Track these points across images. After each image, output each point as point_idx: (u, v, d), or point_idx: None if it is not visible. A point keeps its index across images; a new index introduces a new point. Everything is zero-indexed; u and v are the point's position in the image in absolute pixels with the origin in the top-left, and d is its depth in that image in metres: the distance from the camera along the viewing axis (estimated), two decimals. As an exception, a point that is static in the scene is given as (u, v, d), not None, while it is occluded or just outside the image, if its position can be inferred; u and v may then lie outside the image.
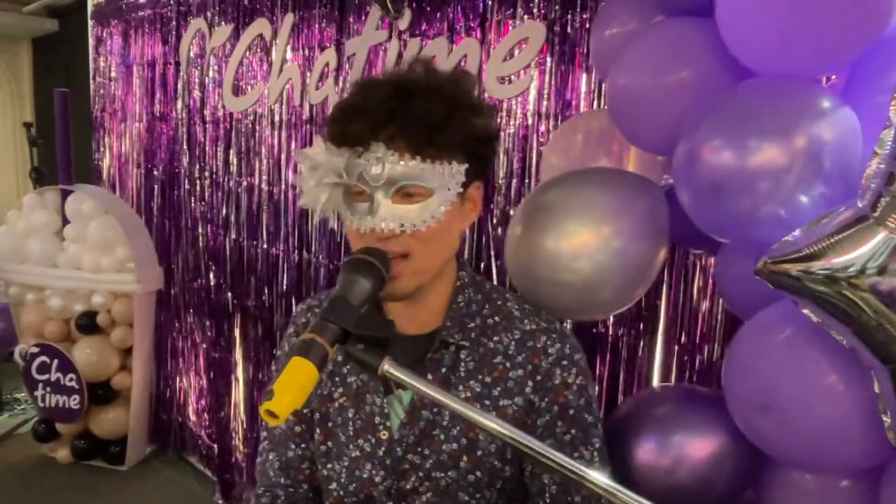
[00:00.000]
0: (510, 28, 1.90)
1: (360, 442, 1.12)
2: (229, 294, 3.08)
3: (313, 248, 2.66)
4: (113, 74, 3.69)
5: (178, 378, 3.48)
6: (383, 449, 1.10)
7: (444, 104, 0.98)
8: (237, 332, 3.09)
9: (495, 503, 1.11)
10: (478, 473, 1.08)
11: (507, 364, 1.08)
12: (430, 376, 1.08)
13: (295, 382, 0.76)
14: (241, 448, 3.14)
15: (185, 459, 3.47)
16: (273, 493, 1.19)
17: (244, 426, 3.12)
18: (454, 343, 1.08)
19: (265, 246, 2.86)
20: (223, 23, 2.91)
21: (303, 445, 1.19)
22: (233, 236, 3.02)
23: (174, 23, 3.21)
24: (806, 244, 0.85)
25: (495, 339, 1.09)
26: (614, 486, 0.71)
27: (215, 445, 3.27)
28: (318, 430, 1.17)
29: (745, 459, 1.10)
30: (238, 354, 3.12)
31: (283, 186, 2.74)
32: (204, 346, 3.30)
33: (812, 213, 0.90)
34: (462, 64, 2.02)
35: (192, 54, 3.11)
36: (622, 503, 0.71)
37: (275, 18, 2.66)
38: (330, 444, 1.16)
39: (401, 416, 1.10)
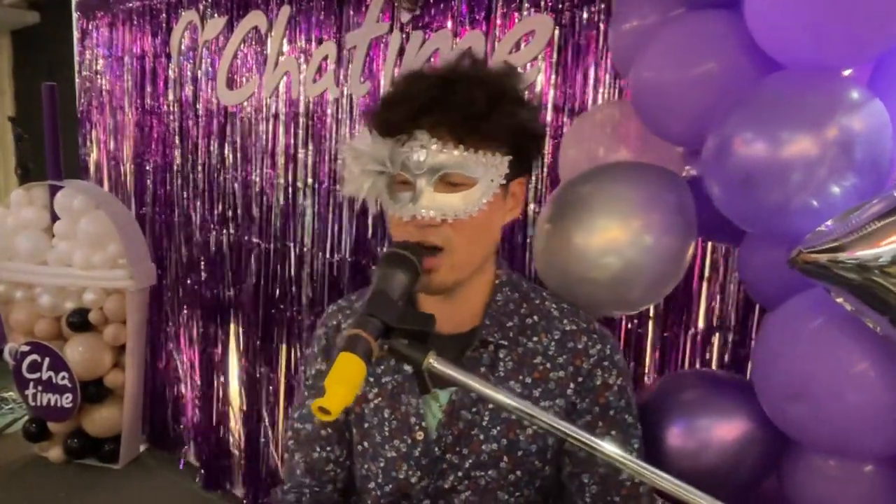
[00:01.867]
0: (516, 20, 1.90)
1: (396, 442, 1.12)
2: (224, 290, 3.05)
3: (309, 244, 2.65)
4: (100, 68, 3.63)
5: (171, 375, 3.44)
6: (419, 449, 1.10)
7: (489, 93, 0.98)
8: (232, 328, 3.07)
9: (533, 501, 1.12)
10: (518, 472, 1.09)
11: (548, 364, 1.08)
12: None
13: (345, 378, 0.76)
14: (237, 445, 3.12)
15: (179, 457, 3.44)
16: (299, 490, 1.19)
17: (239, 424, 3.10)
18: (493, 342, 1.08)
19: (260, 241, 2.84)
20: (216, 15, 2.88)
21: (328, 448, 1.19)
22: (227, 231, 3.00)
23: (164, 15, 3.17)
24: (841, 234, 0.86)
25: (534, 338, 1.09)
26: (672, 480, 0.72)
27: (210, 443, 3.24)
28: (354, 431, 1.17)
29: (769, 444, 1.12)
30: (233, 351, 3.10)
31: (279, 181, 2.72)
32: (198, 342, 3.27)
33: (843, 203, 0.92)
34: (467, 56, 2.01)
35: (183, 47, 3.07)
36: (669, 492, 0.71)
37: (270, 10, 2.63)
38: (366, 444, 1.16)
39: (438, 415, 1.10)
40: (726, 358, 1.60)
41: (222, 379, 3.16)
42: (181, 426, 3.42)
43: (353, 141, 1.04)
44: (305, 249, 2.66)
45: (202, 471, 3.27)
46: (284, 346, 2.83)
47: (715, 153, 1.01)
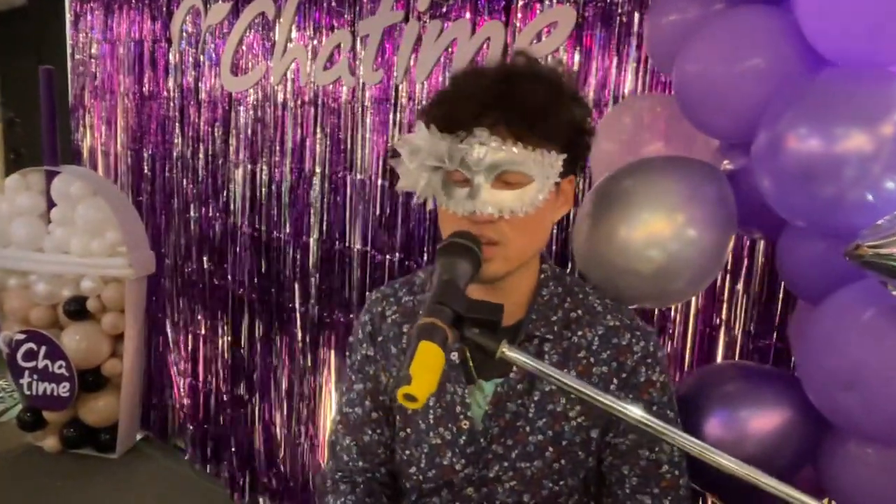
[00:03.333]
0: (538, 11, 1.90)
1: (441, 430, 1.13)
2: (224, 279, 3.03)
3: (315, 233, 2.64)
4: (94, 52, 3.56)
5: (169, 364, 3.41)
6: (464, 438, 1.11)
7: (548, 91, 0.99)
8: (233, 317, 3.05)
9: (577, 490, 1.13)
10: (562, 462, 1.10)
11: (592, 359, 1.09)
12: (514, 369, 1.09)
13: (428, 365, 0.76)
14: (236, 434, 3.11)
15: (177, 446, 3.42)
16: (352, 479, 1.20)
17: (238, 412, 3.08)
18: (539, 336, 1.09)
19: (264, 229, 2.82)
20: (220, 0, 2.84)
21: (378, 431, 1.20)
22: (229, 219, 2.97)
23: (164, -1, 3.12)
24: (900, 228, 0.88)
25: (579, 333, 1.11)
26: (725, 456, 0.74)
27: (208, 431, 3.23)
28: (397, 418, 1.18)
29: (807, 434, 1.14)
30: (231, 339, 3.08)
31: (287, 169, 2.70)
32: (197, 331, 3.25)
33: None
34: (485, 47, 2.01)
35: (185, 32, 3.02)
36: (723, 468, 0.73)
37: (278, -4, 2.61)
38: (409, 430, 1.17)
39: (483, 406, 1.11)
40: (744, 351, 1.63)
41: (223, 368, 3.14)
42: (180, 415, 3.40)
43: (410, 136, 1.05)
44: (313, 239, 2.65)
45: (201, 459, 3.25)
46: (287, 337, 2.82)
47: (768, 148, 1.02)
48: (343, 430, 1.22)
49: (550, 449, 1.09)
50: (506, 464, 1.10)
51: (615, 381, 1.09)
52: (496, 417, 1.10)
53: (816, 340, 1.02)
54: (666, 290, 1.21)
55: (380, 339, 1.20)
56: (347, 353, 1.26)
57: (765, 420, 1.17)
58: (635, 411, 0.79)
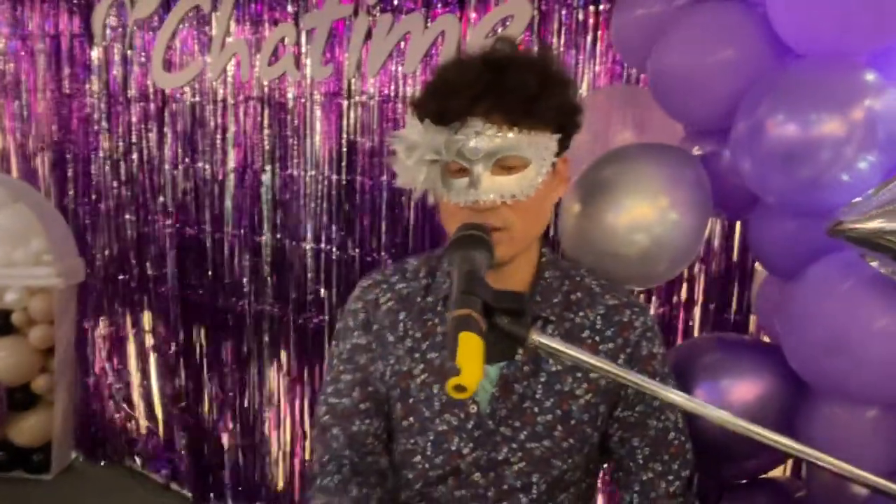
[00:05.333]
0: (492, 5, 1.93)
1: (447, 416, 1.14)
2: (165, 283, 2.91)
3: (262, 230, 2.58)
4: (1, 48, 3.32)
5: (103, 376, 3.25)
6: (472, 422, 1.13)
7: (538, 75, 1.01)
8: (170, 321, 2.94)
9: (582, 466, 1.18)
10: (571, 440, 1.14)
11: (596, 338, 1.13)
12: (520, 350, 1.11)
13: (472, 356, 0.78)
14: (180, 443, 3.01)
15: (116, 461, 3.27)
16: (339, 461, 1.19)
17: (183, 417, 2.98)
18: (543, 317, 1.13)
19: (208, 230, 2.73)
20: (148, -8, 2.72)
21: (367, 421, 1.20)
22: (167, 221, 2.86)
23: (82, -9, 2.95)
24: (877, 205, 0.97)
25: (580, 314, 1.14)
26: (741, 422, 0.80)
27: (150, 443, 3.11)
28: (398, 407, 1.18)
29: (786, 400, 1.23)
30: (154, 343, 2.98)
31: (230, 166, 2.62)
32: (133, 339, 3.11)
33: (869, 178, 1.03)
34: (439, 41, 2.03)
35: (108, 27, 2.87)
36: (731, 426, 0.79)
37: (214, -11, 2.52)
38: (412, 419, 1.17)
39: (489, 389, 1.13)
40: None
41: (164, 374, 3.02)
42: (117, 429, 3.25)
43: (404, 132, 1.05)
44: (259, 235, 2.59)
45: (144, 473, 3.13)
46: (235, 340, 2.75)
47: (748, 134, 1.09)
48: (330, 420, 1.20)
49: (559, 428, 1.13)
50: (514, 445, 1.13)
51: (621, 355, 1.13)
52: (503, 400, 1.12)
53: (798, 311, 1.10)
54: (650, 271, 1.27)
55: (375, 327, 1.19)
56: (335, 342, 1.24)
57: (745, 388, 1.25)
58: (671, 391, 0.83)
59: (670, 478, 1.16)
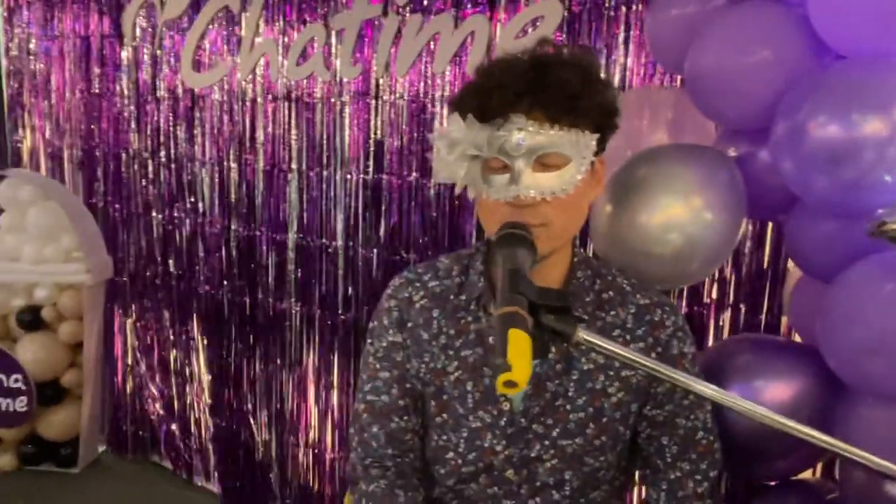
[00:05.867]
0: (523, 5, 1.94)
1: (481, 413, 1.16)
2: (193, 280, 2.95)
3: (289, 230, 2.61)
4: (32, 48, 3.38)
5: (131, 371, 3.30)
6: (505, 420, 1.15)
7: (579, 74, 1.03)
8: (202, 320, 2.97)
9: (615, 464, 1.19)
10: (603, 438, 1.15)
11: (627, 336, 1.15)
12: (553, 349, 1.12)
13: (522, 353, 0.79)
14: (207, 440, 3.04)
15: (142, 456, 3.31)
16: (382, 464, 1.20)
17: (208, 415, 3.02)
18: (577, 316, 1.13)
19: (234, 228, 2.76)
20: (178, -7, 2.75)
21: (406, 418, 1.21)
22: (195, 219, 2.89)
23: (113, -8, 2.99)
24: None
25: (612, 313, 1.16)
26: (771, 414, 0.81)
27: (177, 439, 3.15)
28: (433, 404, 1.19)
29: (821, 400, 1.23)
30: (199, 342, 3.01)
31: (259, 165, 2.65)
32: (161, 336, 3.15)
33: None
34: (469, 42, 2.04)
35: (139, 27, 2.91)
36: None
37: (244, -11, 2.55)
38: (445, 416, 1.19)
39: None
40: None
41: (189, 371, 3.06)
42: (143, 423, 3.29)
43: (446, 128, 1.07)
44: (285, 236, 2.61)
45: (171, 468, 3.17)
46: (263, 338, 2.78)
47: (789, 134, 1.10)
48: (369, 418, 1.22)
49: (591, 426, 1.14)
50: (546, 442, 1.14)
51: (653, 355, 1.14)
52: (536, 397, 1.14)
53: (838, 312, 1.10)
54: (683, 271, 1.28)
55: (409, 324, 1.20)
56: (369, 341, 1.26)
57: (779, 389, 1.25)
58: (709, 386, 0.84)
59: (698, 477, 1.17)
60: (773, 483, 1.41)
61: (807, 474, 1.47)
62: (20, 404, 2.96)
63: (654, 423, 1.17)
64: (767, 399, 1.25)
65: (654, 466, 1.19)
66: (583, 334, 0.86)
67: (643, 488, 1.24)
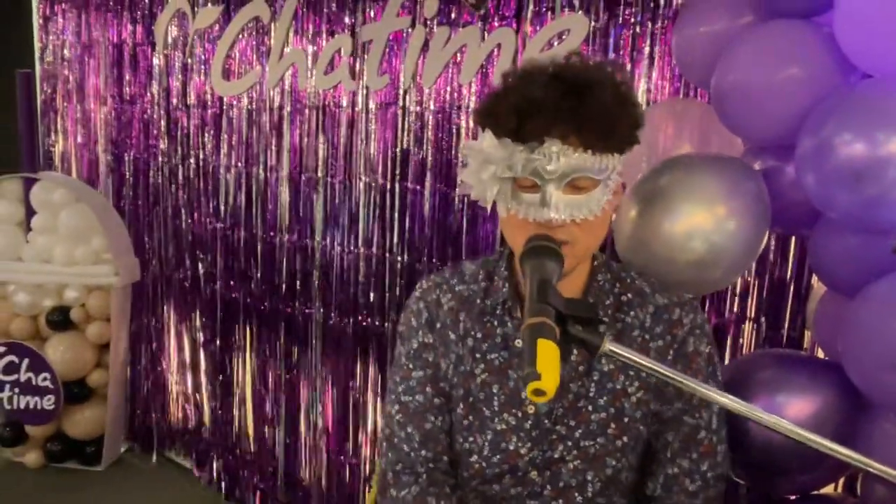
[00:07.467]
0: (549, 19, 1.97)
1: (506, 416, 1.18)
2: (216, 284, 3.00)
3: (314, 235, 2.65)
4: (66, 55, 3.47)
5: (155, 372, 3.35)
6: (530, 422, 1.17)
7: (614, 100, 1.03)
8: (228, 325, 3.02)
9: (636, 466, 1.21)
10: (624, 438, 1.17)
11: (646, 336, 1.17)
12: (575, 351, 1.15)
13: (551, 362, 0.81)
14: (230, 442, 3.08)
15: (164, 455, 3.36)
16: (414, 470, 1.23)
17: (231, 416, 3.06)
18: (602, 321, 1.16)
19: (260, 234, 2.81)
20: (209, 3, 2.81)
21: (441, 418, 1.24)
22: (220, 224, 2.94)
23: (146, 1, 3.06)
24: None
25: (631, 314, 1.18)
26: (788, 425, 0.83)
27: (198, 440, 3.19)
28: (460, 406, 1.22)
29: (844, 416, 1.24)
30: (225, 345, 3.05)
31: (284, 173, 2.69)
32: (185, 338, 3.20)
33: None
34: (496, 54, 2.07)
35: (170, 36, 2.98)
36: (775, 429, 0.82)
37: (275, 0, 2.60)
38: (472, 418, 1.21)
39: None
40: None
41: (214, 373, 3.11)
42: (166, 423, 3.34)
43: (478, 144, 1.08)
44: (311, 240, 2.65)
45: (193, 469, 3.21)
46: (284, 343, 2.81)
47: (814, 151, 1.11)
48: (402, 420, 1.24)
49: (613, 426, 1.16)
50: (570, 443, 1.17)
51: (671, 352, 1.17)
52: (559, 399, 1.16)
53: (861, 327, 1.11)
54: (704, 279, 1.30)
55: (438, 325, 1.24)
56: (399, 343, 1.28)
57: (802, 404, 1.26)
58: (737, 401, 0.86)
59: (695, 476, 1.18)
60: (794, 497, 1.41)
61: (828, 489, 1.47)
62: (48, 402, 3.03)
63: (661, 420, 1.20)
64: (790, 414, 1.26)
65: (657, 460, 1.21)
66: (609, 346, 0.88)
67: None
